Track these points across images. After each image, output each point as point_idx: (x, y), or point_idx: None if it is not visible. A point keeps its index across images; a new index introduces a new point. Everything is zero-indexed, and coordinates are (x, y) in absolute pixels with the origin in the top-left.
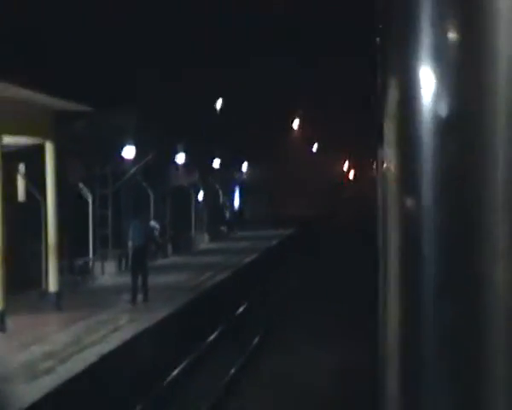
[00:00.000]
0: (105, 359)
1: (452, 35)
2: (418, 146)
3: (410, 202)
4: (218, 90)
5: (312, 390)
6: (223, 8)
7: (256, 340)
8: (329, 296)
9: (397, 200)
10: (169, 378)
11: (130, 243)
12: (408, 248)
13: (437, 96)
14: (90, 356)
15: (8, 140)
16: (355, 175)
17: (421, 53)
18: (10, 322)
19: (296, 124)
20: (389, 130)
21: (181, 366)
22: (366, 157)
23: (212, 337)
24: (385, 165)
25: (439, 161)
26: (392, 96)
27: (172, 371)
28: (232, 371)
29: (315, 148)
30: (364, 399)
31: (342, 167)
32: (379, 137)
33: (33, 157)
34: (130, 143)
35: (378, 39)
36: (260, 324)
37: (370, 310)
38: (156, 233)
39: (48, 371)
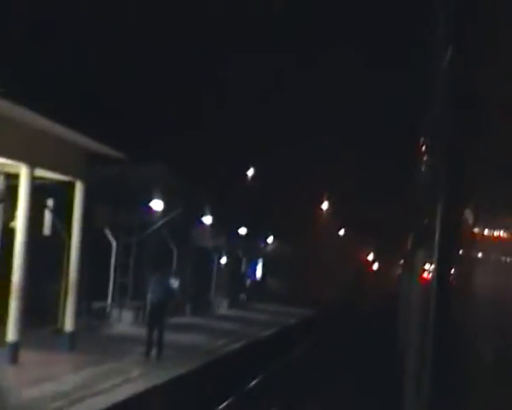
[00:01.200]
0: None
1: None
2: None
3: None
4: (250, 159)
5: None
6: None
7: None
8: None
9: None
10: None
11: (149, 297)
12: None
13: None
14: (99, 403)
15: (40, 174)
16: (378, 268)
17: None
18: (22, 356)
19: (325, 205)
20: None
21: None
22: (391, 253)
23: (220, 407)
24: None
25: None
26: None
27: None
28: None
29: (341, 232)
30: None
31: (367, 257)
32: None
33: (63, 194)
34: (158, 197)
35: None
36: (272, 401)
37: None
38: (176, 291)
39: None
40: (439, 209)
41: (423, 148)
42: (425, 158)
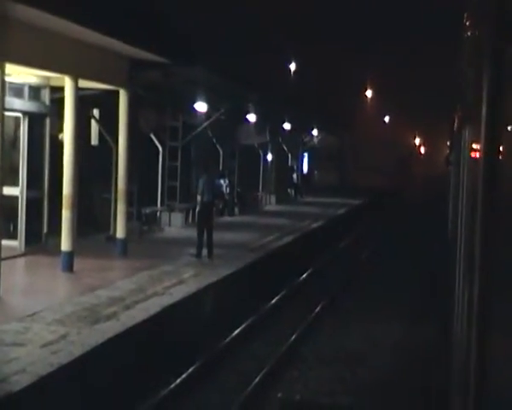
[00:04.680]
0: (167, 310)
1: None
2: None
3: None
4: (292, 52)
5: None
6: None
7: (317, 309)
8: (389, 282)
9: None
10: (223, 342)
11: (199, 198)
12: None
13: None
14: (153, 307)
15: (84, 85)
16: (425, 151)
17: None
18: (77, 264)
19: (369, 93)
20: None
21: (238, 330)
22: (437, 135)
23: (273, 301)
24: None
25: None
26: None
27: (229, 332)
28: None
29: (387, 119)
30: None
31: (413, 142)
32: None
33: (108, 103)
34: (201, 99)
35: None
36: (322, 293)
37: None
38: (224, 190)
39: (110, 317)
40: (485, 84)
41: (468, 22)
42: (469, 31)
